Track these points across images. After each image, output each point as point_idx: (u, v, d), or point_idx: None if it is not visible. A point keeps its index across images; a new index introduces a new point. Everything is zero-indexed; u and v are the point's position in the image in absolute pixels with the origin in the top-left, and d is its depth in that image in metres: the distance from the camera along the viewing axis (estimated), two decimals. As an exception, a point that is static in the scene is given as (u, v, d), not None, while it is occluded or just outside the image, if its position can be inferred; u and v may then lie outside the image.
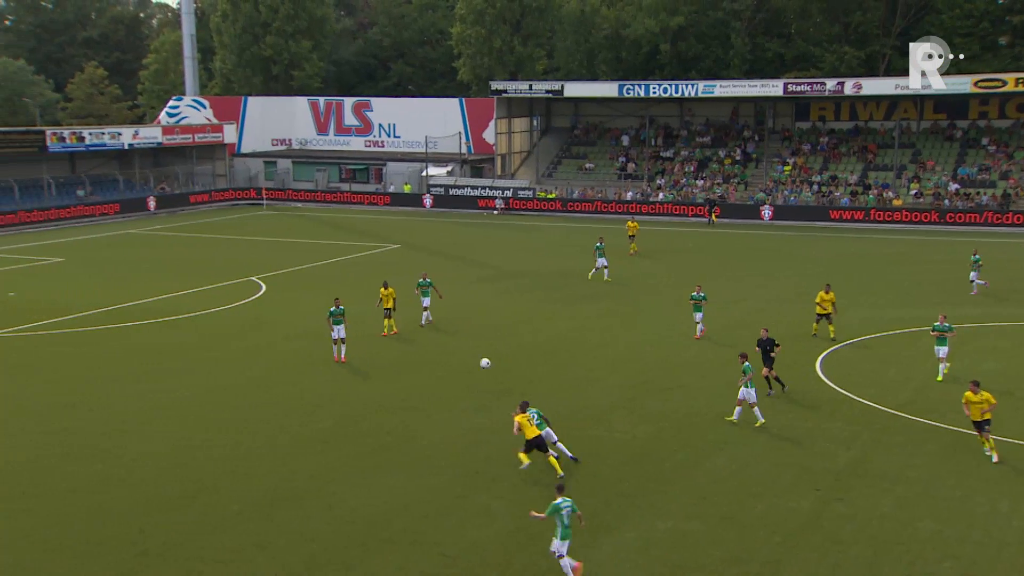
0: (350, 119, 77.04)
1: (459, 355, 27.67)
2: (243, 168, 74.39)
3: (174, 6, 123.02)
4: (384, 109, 76.66)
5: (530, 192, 64.95)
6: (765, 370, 23.70)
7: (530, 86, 68.68)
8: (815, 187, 61.91)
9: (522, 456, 18.80)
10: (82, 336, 30.47)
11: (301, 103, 78.29)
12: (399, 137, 75.73)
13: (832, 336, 28.82)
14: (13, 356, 28.04)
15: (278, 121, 77.59)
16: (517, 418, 18.94)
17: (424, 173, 69.35)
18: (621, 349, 28.45)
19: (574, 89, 68.17)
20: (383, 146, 76.10)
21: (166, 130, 69.29)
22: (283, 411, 23.20)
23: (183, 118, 75.43)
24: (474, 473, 19.09)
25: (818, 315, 29.07)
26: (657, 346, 28.60)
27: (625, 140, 71.23)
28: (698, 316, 29.45)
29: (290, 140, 78.37)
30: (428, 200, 67.12)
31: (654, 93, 64.73)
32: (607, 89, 67.40)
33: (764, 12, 74.69)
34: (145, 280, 38.90)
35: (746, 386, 21.59)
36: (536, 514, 15.42)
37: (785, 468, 19.39)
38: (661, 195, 63.30)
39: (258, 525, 16.94)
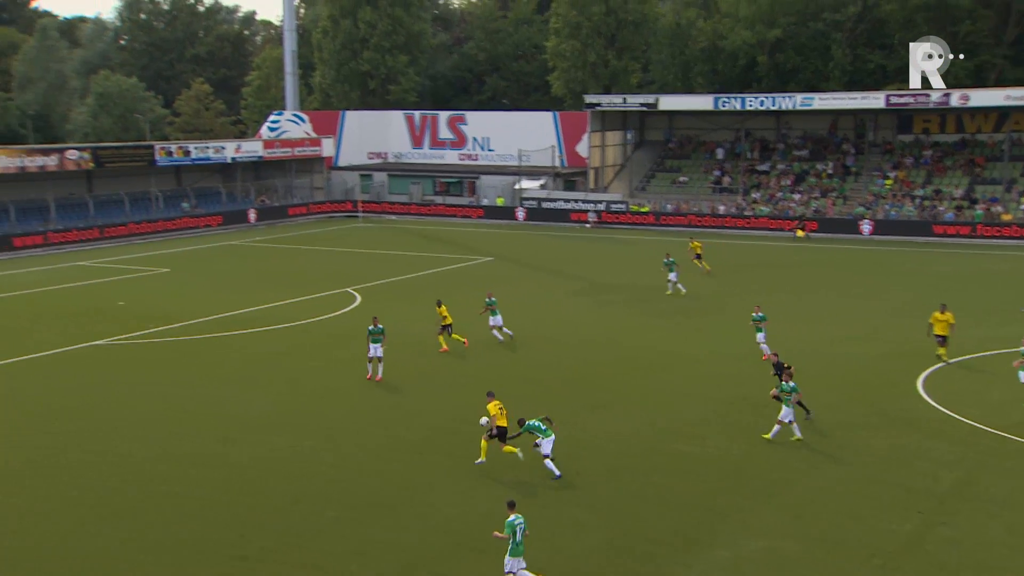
0: (445, 133, 78.15)
1: (554, 368, 27.78)
2: (340, 181, 76.12)
3: (277, 24, 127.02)
4: (478, 123, 77.49)
5: (623, 206, 64.73)
6: (775, 391, 22.59)
7: (624, 99, 68.52)
8: (917, 201, 60.09)
9: (483, 444, 19.99)
10: (187, 344, 31.64)
11: (397, 117, 79.76)
12: (492, 150, 76.40)
13: (943, 357, 27.79)
14: (123, 363, 29.29)
15: (374, 135, 79.20)
16: (489, 406, 20.11)
17: (517, 186, 69.77)
18: (715, 364, 28.15)
19: (669, 102, 67.73)
20: (477, 159, 76.87)
21: (267, 144, 71.47)
22: (379, 420, 23.64)
23: (283, 132, 77.67)
24: (567, 486, 19.16)
25: (937, 336, 27.57)
26: (750, 361, 28.20)
27: (720, 153, 70.38)
28: (759, 337, 28.53)
29: (386, 153, 79.86)
30: (521, 213, 67.47)
31: (750, 106, 63.85)
32: (702, 102, 66.77)
33: (866, 23, 72.95)
34: (245, 290, 40.16)
35: (786, 404, 21.40)
36: (499, 534, 15.24)
37: (885, 488, 18.90)
38: (756, 209, 62.33)
39: (354, 532, 17.33)
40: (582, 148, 71.47)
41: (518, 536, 15.03)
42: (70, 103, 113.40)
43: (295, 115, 79.98)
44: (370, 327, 26.91)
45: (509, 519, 15.16)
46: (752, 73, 74.49)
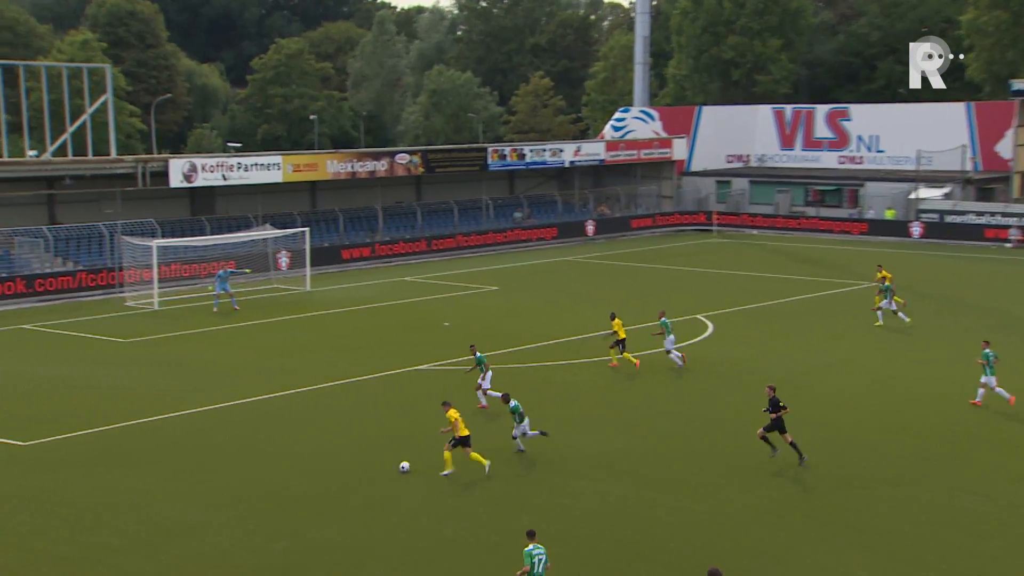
0: (822, 130, 75.96)
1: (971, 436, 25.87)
2: (692, 188, 76.36)
3: (627, 6, 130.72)
4: (865, 118, 74.52)
5: (1059, 221, 59.22)
6: (761, 431, 23.60)
7: (1067, 84, 62.74)
8: None
9: (447, 456, 22.77)
10: (518, 374, 33.14)
11: (764, 112, 78.77)
12: (882, 152, 73.09)
13: None
14: (443, 390, 31.34)
15: (735, 134, 78.67)
16: (449, 414, 22.93)
17: (913, 195, 66.23)
18: None
19: None
20: (861, 162, 73.93)
21: (609, 145, 73.47)
22: (729, 471, 23.41)
23: (629, 132, 79.40)
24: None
25: None
26: None
27: None
28: (986, 379, 27.76)
29: (748, 156, 79.05)
30: (917, 229, 63.94)
31: None
32: None
33: None
34: (581, 313, 41.39)
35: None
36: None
37: None
38: None
39: None
40: (1004, 148, 66.40)
41: (539, 568, 15.90)
42: (403, 102, 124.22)
43: (643, 112, 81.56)
44: (477, 355, 29.03)
45: (527, 548, 15.98)
46: None
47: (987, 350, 28.21)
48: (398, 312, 43.90)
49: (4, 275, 46.81)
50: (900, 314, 38.57)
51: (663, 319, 33.26)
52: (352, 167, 59.17)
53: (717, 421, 27.50)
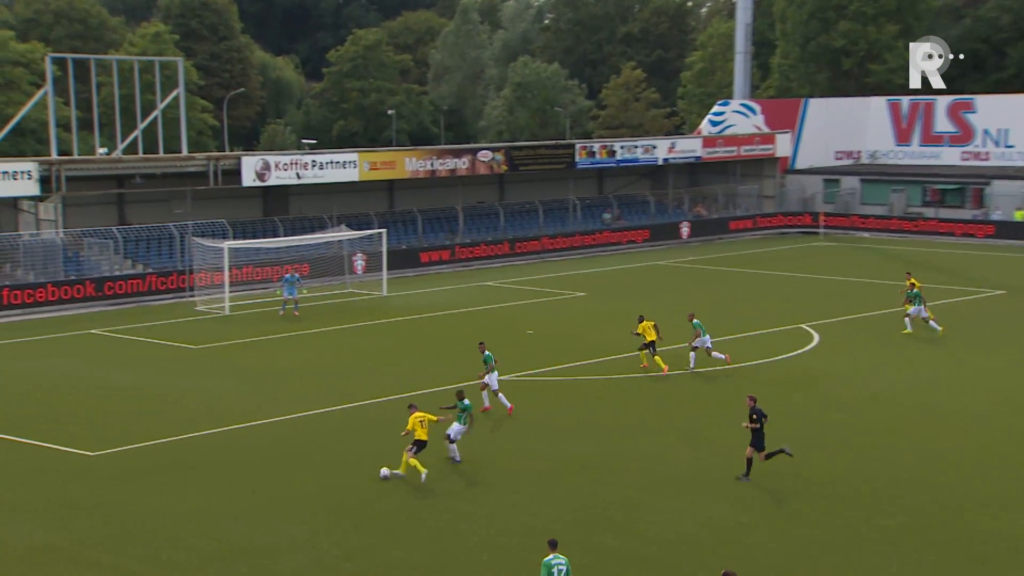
0: (943, 124, 74.44)
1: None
2: (797, 187, 75.52)
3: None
4: (993, 110, 72.82)
5: None
6: (750, 449, 23.74)
7: None
8: None
9: (413, 462, 23.97)
10: (605, 384, 33.14)
11: (877, 105, 77.49)
12: (1011, 147, 71.36)
13: None
14: (532, 403, 31.42)
15: (845, 128, 77.54)
16: (411, 418, 24.19)
17: (1044, 195, 64.65)
18: None
19: None
20: (987, 159, 72.26)
21: (706, 142, 72.98)
22: (846, 497, 23.14)
23: (728, 126, 78.80)
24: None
25: None
26: None
27: None
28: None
29: (859, 152, 77.87)
30: (1049, 232, 62.42)
31: None
32: None
33: None
34: (674, 322, 41.20)
35: None
36: None
37: None
38: None
39: None
40: None
41: None
42: (486, 95, 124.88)
43: (744, 105, 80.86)
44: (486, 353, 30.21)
45: (546, 559, 16.67)
46: None
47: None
48: (478, 319, 44.12)
49: (73, 277, 48.16)
50: (931, 323, 38.67)
51: (694, 320, 34.36)
52: (432, 165, 59.65)
53: (824, 442, 27.13)
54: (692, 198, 73.74)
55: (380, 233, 51.76)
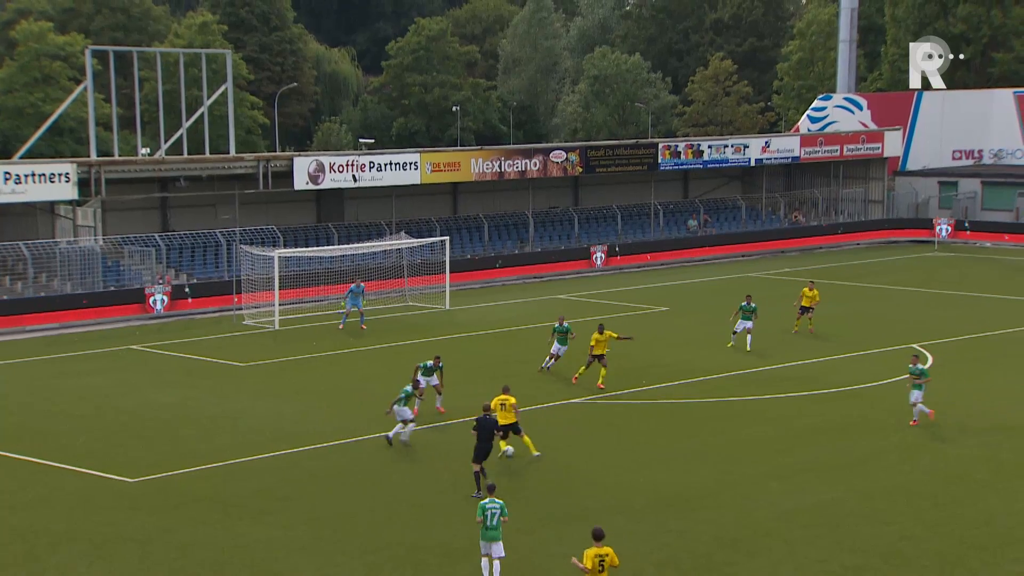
0: (1077, 119, 73.31)
1: None
2: (908, 191, 74.71)
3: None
4: None
5: None
6: (476, 466, 25.47)
7: None
8: None
9: (501, 443, 27.19)
10: (693, 409, 33.04)
11: (1002, 98, 76.41)
12: None
13: None
14: (608, 429, 31.37)
15: (964, 125, 76.51)
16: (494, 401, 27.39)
17: None
18: None
19: None
20: (1125, 159, 70.91)
21: (805, 140, 72.44)
22: (974, 539, 22.84)
23: (830, 123, 78.17)
24: None
25: None
26: None
27: None
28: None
29: (980, 152, 76.84)
30: None
31: None
32: None
33: None
34: (769, 339, 40.92)
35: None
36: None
37: None
38: None
39: None
40: None
41: (490, 520, 20.58)
42: (559, 90, 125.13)
43: (848, 99, 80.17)
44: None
45: (482, 502, 20.82)
46: None
47: (918, 365, 31.36)
48: (546, 335, 44.15)
49: (112, 288, 49.02)
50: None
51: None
52: (500, 166, 59.87)
53: (937, 479, 26.72)
54: (788, 203, 73.22)
55: (443, 241, 52.03)
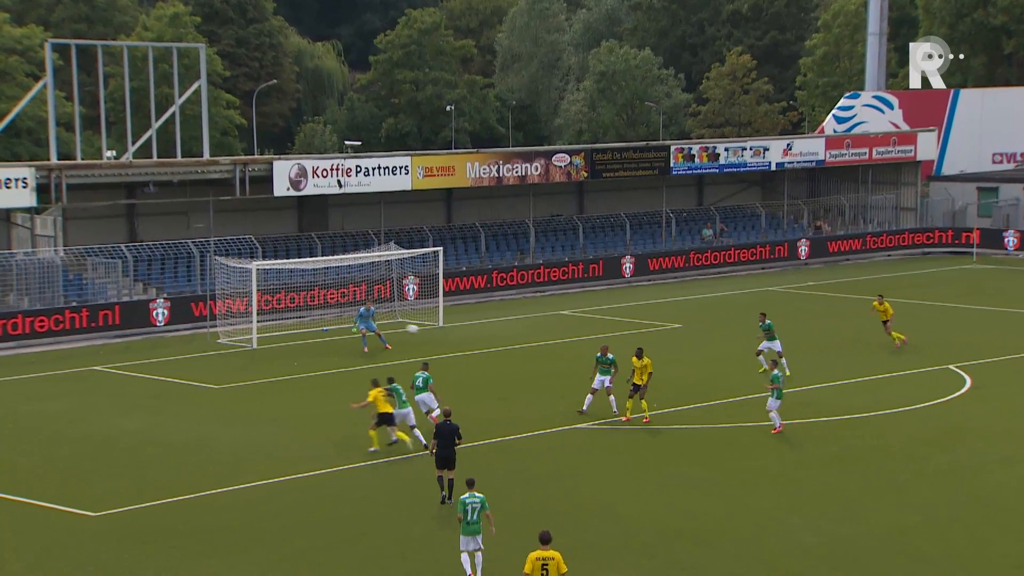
0: None
1: None
2: (943, 198, 74.77)
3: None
4: None
5: None
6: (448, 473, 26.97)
7: None
8: None
9: (372, 434, 30.72)
10: (707, 434, 33.03)
11: (1046, 97, 76.71)
12: None
13: None
14: (613, 454, 31.35)
15: (1005, 125, 76.65)
16: (372, 393, 30.69)
17: None
18: None
19: None
20: None
21: (830, 142, 72.47)
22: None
23: (857, 123, 78.24)
24: None
25: None
26: None
27: None
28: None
29: (1023, 155, 76.97)
30: None
31: None
32: None
33: None
34: (791, 358, 40.89)
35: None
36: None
37: None
38: None
39: None
40: None
41: (471, 515, 22.21)
42: (562, 88, 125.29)
43: (878, 98, 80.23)
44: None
45: (462, 496, 22.58)
46: None
47: (776, 372, 33.01)
48: (552, 355, 44.10)
49: (74, 303, 49.00)
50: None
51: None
52: (498, 171, 59.89)
53: (978, 512, 26.69)
54: (812, 211, 73.24)
55: (436, 252, 52.03)
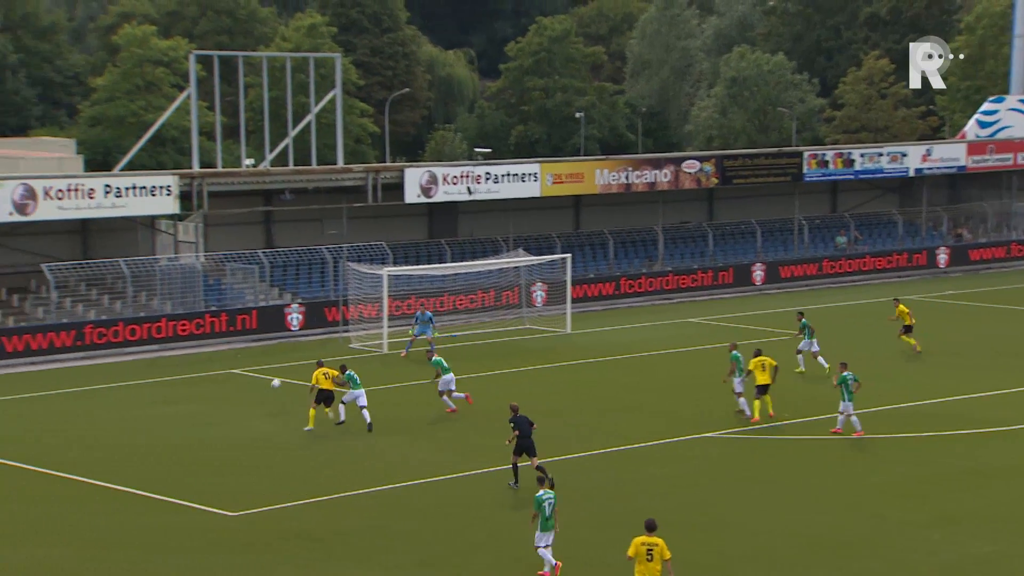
0: None
1: None
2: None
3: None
4: None
5: None
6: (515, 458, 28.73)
7: None
8: None
9: (312, 412, 34.16)
10: (831, 445, 32.73)
11: None
12: None
13: None
14: (743, 465, 31.35)
15: None
16: (315, 373, 34.22)
17: None
18: None
19: None
20: None
21: (972, 148, 71.17)
22: None
23: (1002, 128, 76.51)
24: None
25: None
26: None
27: None
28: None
29: None
30: None
31: None
32: None
33: None
34: (930, 369, 40.48)
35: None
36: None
37: None
38: None
39: None
40: None
41: (547, 511, 22.90)
42: (693, 94, 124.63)
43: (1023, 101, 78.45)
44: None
45: (538, 494, 23.10)
46: None
47: (845, 373, 33.09)
48: (681, 363, 44.15)
49: (214, 308, 50.30)
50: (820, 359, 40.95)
51: (733, 353, 36.40)
52: (627, 178, 60.01)
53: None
54: (952, 218, 72.01)
55: (564, 259, 52.32)
